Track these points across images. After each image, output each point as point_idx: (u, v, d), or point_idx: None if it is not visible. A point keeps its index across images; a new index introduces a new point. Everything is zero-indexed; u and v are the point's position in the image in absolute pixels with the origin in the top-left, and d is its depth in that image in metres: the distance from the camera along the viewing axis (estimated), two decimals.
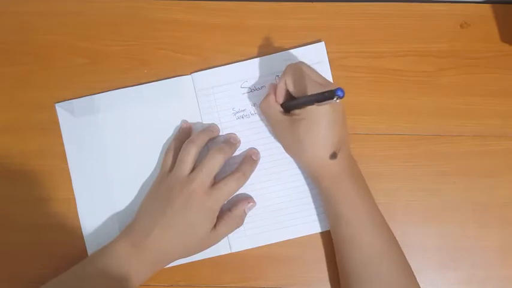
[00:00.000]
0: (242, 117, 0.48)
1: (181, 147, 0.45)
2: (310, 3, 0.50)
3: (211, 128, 0.47)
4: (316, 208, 0.47)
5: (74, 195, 0.48)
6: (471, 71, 0.49)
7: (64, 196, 0.48)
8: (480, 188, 0.48)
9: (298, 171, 0.47)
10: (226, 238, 0.47)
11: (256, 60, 0.49)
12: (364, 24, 0.49)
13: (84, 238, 0.47)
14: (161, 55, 0.49)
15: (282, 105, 0.45)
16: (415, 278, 0.42)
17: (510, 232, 0.47)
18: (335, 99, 0.35)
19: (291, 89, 0.43)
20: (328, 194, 0.43)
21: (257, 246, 0.47)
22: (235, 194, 0.45)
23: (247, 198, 0.47)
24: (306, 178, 0.47)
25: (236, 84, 0.48)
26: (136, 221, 0.44)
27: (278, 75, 0.48)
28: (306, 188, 0.47)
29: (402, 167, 0.48)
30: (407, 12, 0.49)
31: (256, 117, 0.48)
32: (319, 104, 0.38)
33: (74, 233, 0.47)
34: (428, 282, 0.46)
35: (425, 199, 0.48)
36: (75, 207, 0.48)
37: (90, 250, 0.47)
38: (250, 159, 0.46)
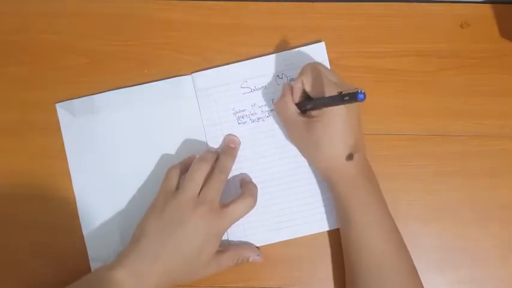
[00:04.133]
0: (242, 117, 0.48)
1: (185, 169, 0.44)
2: (310, 3, 0.50)
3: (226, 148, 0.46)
4: (317, 208, 0.47)
5: (74, 195, 0.48)
6: (471, 71, 0.49)
7: (64, 196, 0.48)
8: (480, 188, 0.48)
9: (299, 172, 0.47)
10: (226, 238, 0.47)
11: (256, 60, 0.49)
12: (364, 24, 0.49)
13: (84, 238, 0.47)
14: (161, 55, 0.49)
15: (297, 105, 0.44)
16: (422, 285, 0.42)
17: (510, 232, 0.47)
18: (356, 100, 0.35)
19: (308, 89, 0.43)
20: (341, 196, 0.42)
21: (257, 246, 0.47)
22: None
23: (256, 250, 0.46)
24: (306, 178, 0.47)
25: (236, 84, 0.48)
26: (138, 245, 0.40)
27: (278, 75, 0.48)
28: (307, 188, 0.47)
29: (402, 167, 0.48)
30: (407, 12, 0.50)
31: (257, 117, 0.48)
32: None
33: (74, 233, 0.47)
34: (429, 282, 0.46)
35: (425, 199, 0.48)
36: (75, 207, 0.48)
37: (90, 250, 0.47)
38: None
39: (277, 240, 0.47)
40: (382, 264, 0.41)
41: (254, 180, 0.47)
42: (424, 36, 0.49)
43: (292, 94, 0.44)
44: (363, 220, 0.41)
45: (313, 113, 0.42)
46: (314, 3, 0.50)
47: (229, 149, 0.46)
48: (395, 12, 0.50)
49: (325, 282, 0.47)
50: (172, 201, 0.41)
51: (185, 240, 0.40)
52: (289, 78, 0.48)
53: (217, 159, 0.45)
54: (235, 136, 0.48)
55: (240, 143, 0.48)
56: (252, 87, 0.48)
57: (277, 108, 0.46)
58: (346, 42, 0.49)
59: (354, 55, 0.49)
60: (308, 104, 0.43)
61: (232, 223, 0.43)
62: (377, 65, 0.49)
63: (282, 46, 0.49)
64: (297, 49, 0.49)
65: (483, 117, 0.48)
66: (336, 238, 0.47)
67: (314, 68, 0.43)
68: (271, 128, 0.48)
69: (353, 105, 0.40)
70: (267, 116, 0.48)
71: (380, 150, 0.48)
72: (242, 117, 0.48)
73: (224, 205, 0.42)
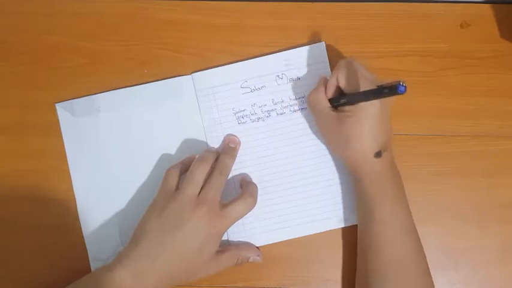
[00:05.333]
0: (242, 117, 0.48)
1: (185, 169, 0.44)
2: (310, 3, 0.50)
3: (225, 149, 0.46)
4: (317, 208, 0.47)
5: (74, 195, 0.48)
6: (471, 71, 0.49)
7: (64, 196, 0.48)
8: (480, 188, 0.48)
9: (301, 171, 0.47)
10: (226, 238, 0.47)
11: (256, 60, 0.49)
12: (364, 24, 0.49)
13: (84, 238, 0.47)
14: (161, 55, 0.49)
15: (330, 100, 0.44)
16: (433, 286, 0.42)
17: (510, 232, 0.47)
18: (396, 93, 0.35)
19: (343, 84, 0.43)
20: (366, 190, 0.42)
21: (257, 246, 0.47)
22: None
23: (256, 250, 0.46)
24: (306, 178, 0.47)
25: (236, 84, 0.48)
26: (138, 245, 0.40)
27: (278, 75, 0.48)
28: (307, 188, 0.47)
29: (402, 167, 0.48)
30: (407, 12, 0.50)
31: (257, 117, 0.48)
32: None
33: (74, 233, 0.47)
34: None
35: (425, 199, 0.48)
36: (75, 207, 0.48)
37: (90, 250, 0.47)
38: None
39: (277, 240, 0.47)
40: (403, 258, 0.41)
41: (254, 180, 0.47)
42: (424, 36, 0.49)
43: (325, 88, 0.44)
44: (387, 216, 0.41)
45: (347, 108, 0.42)
46: (314, 3, 0.50)
47: (229, 148, 0.46)
48: (395, 12, 0.50)
49: (326, 282, 0.47)
50: (172, 201, 0.41)
51: (185, 240, 0.40)
52: (289, 78, 0.48)
53: (217, 159, 0.45)
54: (235, 136, 0.48)
55: (240, 142, 0.48)
56: (252, 87, 0.48)
57: (310, 99, 0.45)
58: (346, 42, 0.49)
59: (354, 55, 0.49)
60: (343, 98, 0.42)
61: (233, 223, 0.43)
62: (377, 65, 0.49)
63: (282, 46, 0.49)
64: (297, 49, 0.48)
65: (483, 117, 0.48)
66: (336, 238, 0.47)
67: (349, 63, 0.42)
68: (271, 128, 0.48)
69: (386, 104, 0.40)
70: (267, 116, 0.48)
71: None
72: (242, 117, 0.48)
73: (224, 205, 0.42)
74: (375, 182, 0.42)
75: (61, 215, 0.48)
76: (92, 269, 0.47)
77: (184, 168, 0.44)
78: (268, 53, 0.49)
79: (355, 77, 0.41)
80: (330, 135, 0.45)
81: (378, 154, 0.41)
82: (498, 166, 0.48)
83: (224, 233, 0.43)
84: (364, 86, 0.40)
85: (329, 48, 0.48)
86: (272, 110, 0.48)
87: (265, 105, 0.48)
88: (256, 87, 0.48)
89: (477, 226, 0.47)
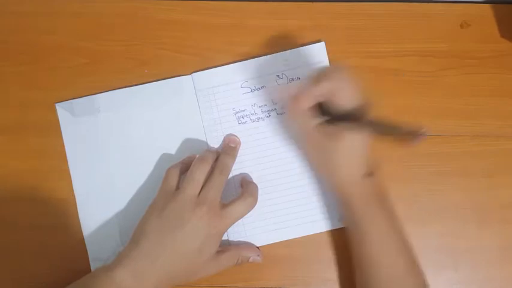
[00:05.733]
0: (242, 117, 0.48)
1: (185, 169, 0.44)
2: (310, 3, 0.50)
3: (226, 148, 0.46)
4: (318, 208, 0.47)
5: (74, 195, 0.48)
6: (471, 71, 0.49)
7: (64, 196, 0.48)
8: (480, 188, 0.48)
9: (300, 172, 0.47)
10: (226, 238, 0.47)
11: (256, 60, 0.49)
12: (364, 24, 0.49)
13: (84, 238, 0.47)
14: (161, 55, 0.49)
15: (320, 112, 0.41)
16: None
17: (510, 232, 0.47)
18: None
19: (339, 101, 0.39)
20: (356, 213, 0.42)
21: (257, 246, 0.47)
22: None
23: (256, 250, 0.46)
24: (307, 178, 0.47)
25: (236, 84, 0.48)
26: (138, 246, 0.40)
27: (278, 75, 0.48)
28: (308, 188, 0.47)
29: (402, 167, 0.48)
30: (407, 12, 0.50)
31: (257, 117, 0.48)
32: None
33: (74, 233, 0.47)
34: (429, 282, 0.46)
35: (425, 199, 0.48)
36: (75, 207, 0.48)
37: (90, 250, 0.47)
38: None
39: (277, 240, 0.47)
40: (391, 280, 0.41)
41: (254, 180, 0.47)
42: (424, 36, 0.49)
43: (306, 99, 0.40)
44: (378, 236, 0.41)
45: (334, 127, 0.40)
46: (314, 3, 0.50)
47: (229, 148, 0.46)
48: (395, 12, 0.50)
49: (326, 282, 0.47)
50: (172, 201, 0.41)
51: (185, 240, 0.40)
52: (289, 78, 0.48)
53: (217, 159, 0.44)
54: (235, 136, 0.48)
55: (240, 142, 0.48)
56: (252, 87, 0.48)
57: (291, 108, 0.42)
58: (346, 42, 0.49)
59: (354, 55, 0.49)
60: (338, 117, 0.39)
61: (233, 223, 0.43)
62: (377, 65, 0.49)
63: (282, 46, 0.49)
64: (297, 49, 0.49)
65: (483, 117, 0.48)
66: (336, 238, 0.47)
67: (347, 77, 0.39)
68: (271, 128, 0.48)
69: None
70: (267, 116, 0.48)
71: (380, 150, 0.48)
72: (242, 117, 0.48)
73: (224, 205, 0.42)
74: (365, 202, 0.42)
75: (61, 215, 0.48)
76: (92, 269, 0.47)
77: (185, 167, 0.44)
78: (268, 53, 0.49)
79: (355, 97, 0.39)
80: (315, 157, 0.44)
81: (368, 175, 0.41)
82: (498, 166, 0.48)
83: (224, 233, 0.43)
84: (369, 111, 0.38)
85: (329, 48, 0.48)
86: (272, 110, 0.48)
87: (265, 105, 0.48)
88: (256, 87, 0.48)
89: (477, 226, 0.47)
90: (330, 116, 0.41)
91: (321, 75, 0.40)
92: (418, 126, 0.35)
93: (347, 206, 0.43)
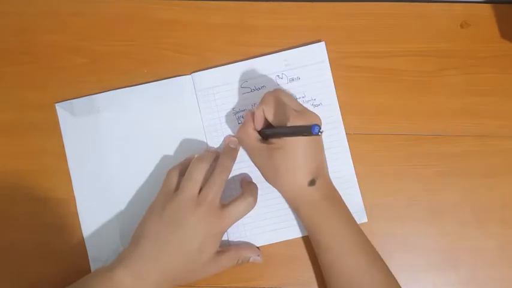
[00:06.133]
0: (242, 117, 0.48)
1: (185, 170, 0.43)
2: (310, 3, 0.50)
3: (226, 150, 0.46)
4: None
5: (74, 195, 0.48)
6: (471, 71, 0.49)
7: (64, 196, 0.48)
8: (480, 188, 0.48)
9: None
10: (226, 238, 0.47)
11: (256, 60, 0.49)
12: (364, 24, 0.49)
13: (84, 238, 0.47)
14: (161, 55, 0.49)
15: (260, 132, 0.45)
16: None
17: (510, 232, 0.47)
18: (312, 134, 0.36)
19: (270, 118, 0.43)
20: (307, 221, 0.43)
21: (257, 246, 0.47)
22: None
23: (257, 250, 0.46)
24: None
25: (236, 84, 0.48)
26: (138, 246, 0.41)
27: (278, 75, 0.48)
28: None
29: (402, 167, 0.48)
30: (407, 12, 0.49)
31: None
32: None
33: (74, 233, 0.47)
34: (429, 282, 0.46)
35: (425, 199, 0.48)
36: (75, 207, 0.48)
37: (90, 250, 0.47)
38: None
39: (277, 240, 0.47)
40: (353, 281, 0.41)
41: (254, 180, 0.47)
42: (424, 36, 0.49)
43: (253, 121, 0.44)
44: (333, 242, 0.42)
45: (275, 140, 0.42)
46: (314, 3, 0.50)
47: (229, 149, 0.46)
48: (395, 12, 0.50)
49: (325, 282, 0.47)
50: (172, 201, 0.41)
51: (185, 240, 0.40)
52: (289, 78, 0.48)
53: (217, 159, 0.44)
54: (235, 137, 0.48)
55: (239, 143, 0.48)
56: (252, 87, 0.48)
57: (238, 135, 0.46)
58: (346, 42, 0.49)
59: (354, 55, 0.49)
60: (268, 132, 0.43)
61: (233, 223, 0.43)
62: (377, 65, 0.49)
63: (282, 46, 0.49)
64: (297, 49, 0.48)
65: (483, 117, 0.48)
66: None
67: (275, 96, 0.43)
68: None
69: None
70: None
71: (380, 150, 0.48)
72: (242, 117, 0.48)
73: (224, 205, 0.42)
74: (314, 211, 0.42)
75: (61, 215, 0.48)
76: (92, 269, 0.47)
77: (184, 169, 0.44)
78: (268, 53, 0.49)
79: (283, 110, 0.41)
80: (263, 168, 0.45)
81: (312, 182, 0.42)
82: (498, 166, 0.48)
83: (224, 233, 0.43)
84: (291, 119, 0.40)
85: (329, 48, 0.48)
86: None
87: None
88: (256, 87, 0.48)
89: (477, 226, 0.47)
90: (272, 134, 0.43)
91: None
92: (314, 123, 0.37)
93: (298, 214, 0.44)
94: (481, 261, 0.47)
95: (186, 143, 0.48)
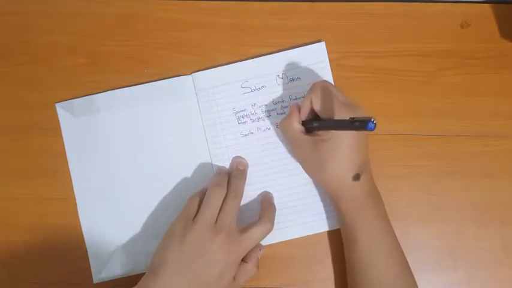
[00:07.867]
0: (242, 117, 0.48)
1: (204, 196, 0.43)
2: (310, 3, 0.50)
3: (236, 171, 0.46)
4: (318, 208, 0.47)
5: (74, 195, 0.48)
6: (471, 71, 0.49)
7: (64, 196, 0.48)
8: (480, 188, 0.48)
9: (300, 171, 0.47)
10: None
11: (256, 60, 0.49)
12: (364, 24, 0.49)
13: (84, 238, 0.47)
14: (161, 55, 0.49)
15: (304, 123, 0.44)
16: None
17: (510, 232, 0.47)
18: (365, 129, 0.34)
19: (317, 108, 0.42)
20: (347, 217, 0.42)
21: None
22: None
23: (257, 246, 0.45)
24: (307, 178, 0.47)
25: (236, 84, 0.48)
26: (157, 277, 0.40)
27: (278, 75, 0.48)
28: (308, 188, 0.47)
29: (402, 167, 0.48)
30: (408, 12, 0.49)
31: (257, 117, 0.48)
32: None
33: (74, 233, 0.47)
34: (429, 282, 0.46)
35: (425, 199, 0.48)
36: (75, 207, 0.48)
37: (90, 250, 0.47)
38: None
39: (277, 240, 0.47)
40: (387, 279, 0.41)
41: (254, 180, 0.47)
42: (424, 36, 0.49)
43: (299, 112, 0.44)
44: (370, 241, 0.41)
45: (321, 133, 0.42)
46: (314, 3, 0.50)
47: (239, 172, 0.46)
48: (395, 12, 0.49)
49: (325, 282, 0.47)
50: (192, 230, 0.41)
51: (205, 269, 0.40)
52: (289, 78, 0.48)
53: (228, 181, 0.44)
54: (242, 158, 0.48)
55: (248, 164, 0.47)
56: (252, 87, 0.48)
57: (281, 126, 0.45)
58: (346, 42, 0.49)
59: (354, 55, 0.49)
60: (315, 123, 0.42)
61: (250, 248, 0.42)
62: (377, 65, 0.49)
63: (282, 46, 0.49)
64: (297, 49, 0.48)
65: (483, 117, 0.48)
66: (336, 238, 0.47)
67: (324, 87, 0.42)
68: (271, 128, 0.48)
69: None
70: (268, 116, 0.48)
71: (380, 150, 0.48)
72: (242, 117, 0.48)
73: (242, 230, 0.42)
74: (355, 206, 0.42)
75: (61, 215, 0.48)
76: (92, 269, 0.47)
77: (203, 195, 0.43)
78: (268, 53, 0.49)
79: (330, 102, 0.41)
80: (305, 160, 0.45)
81: (356, 177, 0.41)
82: (498, 166, 0.48)
83: (242, 257, 0.43)
84: (339, 112, 0.40)
85: (329, 48, 0.48)
86: (272, 110, 0.48)
87: (266, 105, 0.48)
88: (257, 87, 0.48)
89: (477, 226, 0.47)
90: (320, 125, 0.42)
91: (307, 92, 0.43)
92: (368, 116, 0.35)
93: (337, 209, 0.43)
94: (481, 261, 0.47)
95: (186, 143, 0.48)
